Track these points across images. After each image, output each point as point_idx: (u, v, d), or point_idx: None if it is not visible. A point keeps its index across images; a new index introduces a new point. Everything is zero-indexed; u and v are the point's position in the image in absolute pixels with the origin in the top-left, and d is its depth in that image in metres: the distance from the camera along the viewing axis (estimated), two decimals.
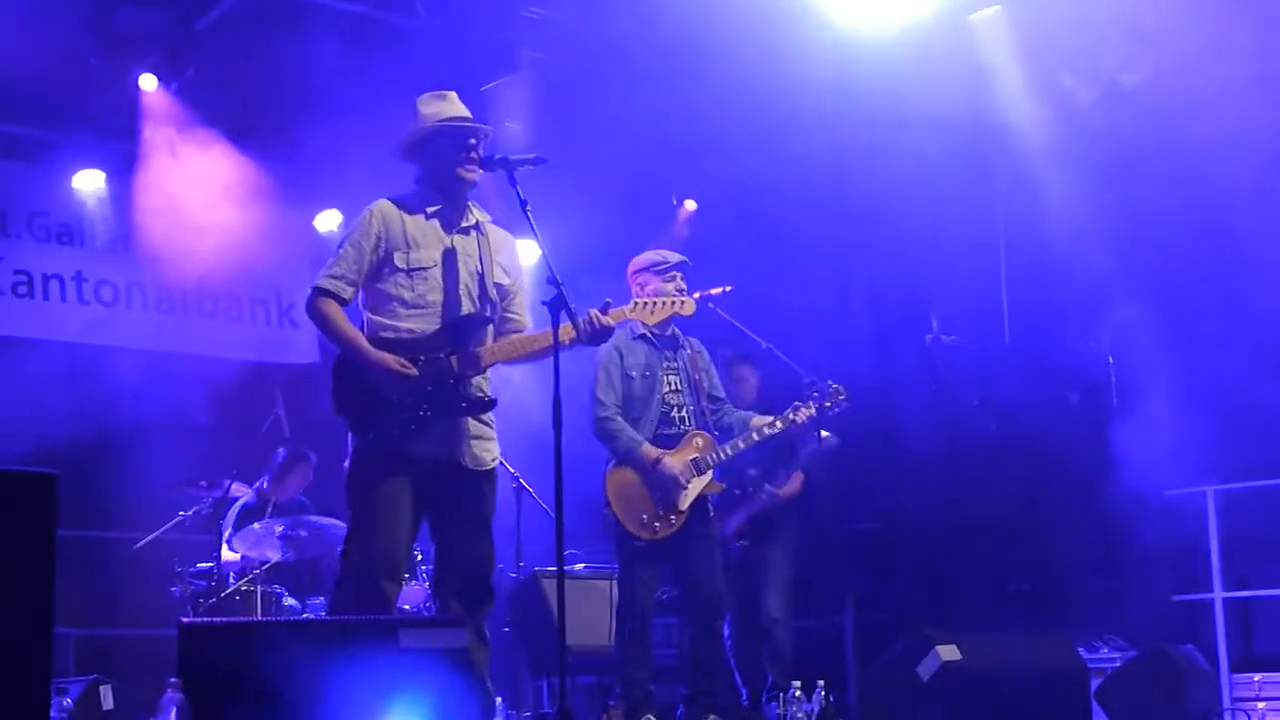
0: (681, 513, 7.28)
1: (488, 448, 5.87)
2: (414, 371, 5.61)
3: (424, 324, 5.73)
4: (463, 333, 5.75)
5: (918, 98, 9.68)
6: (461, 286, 5.80)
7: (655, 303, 6.06)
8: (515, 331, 5.97)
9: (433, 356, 5.67)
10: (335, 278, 5.74)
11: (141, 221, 10.65)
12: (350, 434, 5.77)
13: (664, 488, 7.26)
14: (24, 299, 10.40)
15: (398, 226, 5.78)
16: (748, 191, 11.40)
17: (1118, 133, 9.41)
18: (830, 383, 7.65)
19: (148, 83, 9.61)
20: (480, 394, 5.79)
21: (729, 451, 7.47)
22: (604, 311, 5.78)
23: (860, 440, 8.87)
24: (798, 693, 7.30)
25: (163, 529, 9.17)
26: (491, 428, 5.91)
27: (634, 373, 7.45)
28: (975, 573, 10.36)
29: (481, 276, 5.85)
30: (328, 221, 11.26)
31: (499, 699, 8.70)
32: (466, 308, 5.79)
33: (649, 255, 7.52)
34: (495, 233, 6.01)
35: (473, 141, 5.85)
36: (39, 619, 3.71)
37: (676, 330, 7.65)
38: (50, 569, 3.75)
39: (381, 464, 5.65)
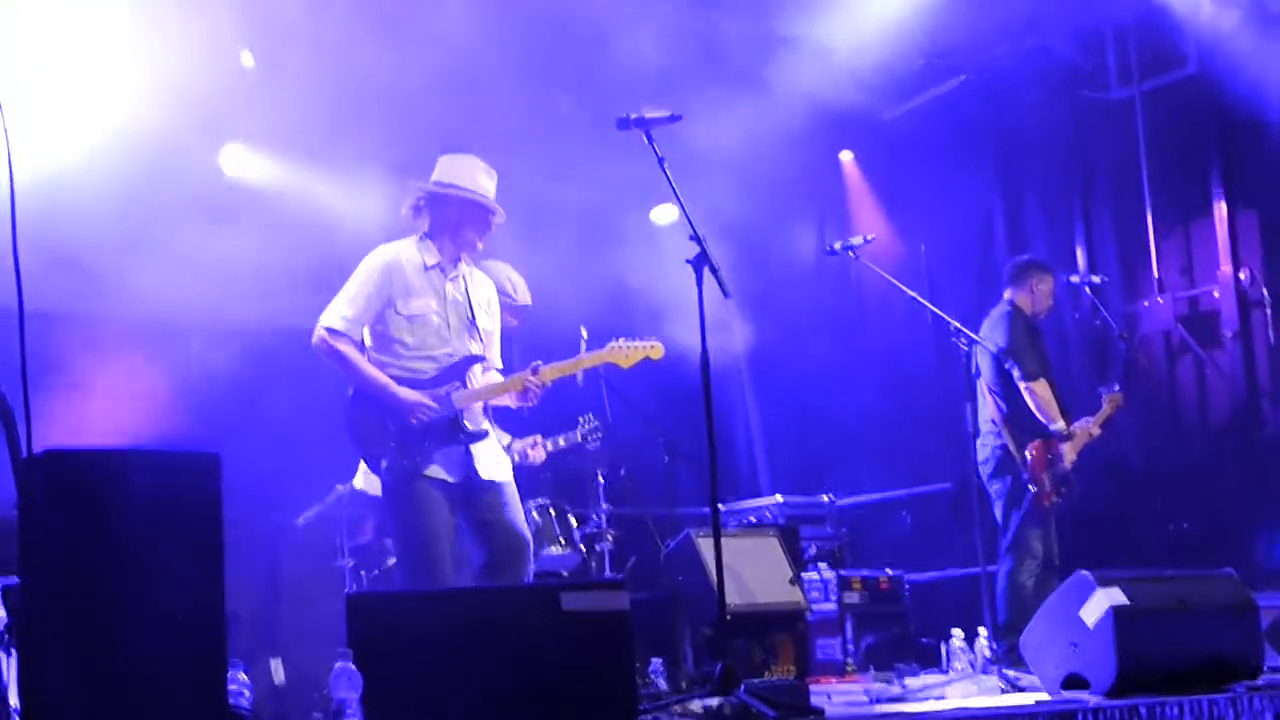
0: None
1: (499, 463, 6.37)
2: (436, 407, 6.14)
3: (424, 365, 6.25)
4: (457, 372, 6.27)
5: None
6: (453, 331, 6.32)
7: (631, 348, 6.36)
8: (489, 369, 6.48)
9: (433, 393, 6.17)
10: (346, 318, 6.24)
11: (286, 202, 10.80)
12: (366, 463, 6.36)
13: None
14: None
15: (400, 275, 6.29)
16: (890, 141, 11.35)
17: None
18: (589, 416, 8.21)
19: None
20: (475, 426, 6.28)
21: None
22: (535, 373, 6.24)
23: None
24: (958, 641, 7.25)
25: (322, 504, 9.31)
26: (499, 446, 6.47)
27: None
28: (1133, 515, 10.24)
29: (472, 320, 6.38)
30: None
31: (658, 659, 8.75)
32: (459, 350, 6.31)
33: (508, 280, 7.55)
34: (478, 277, 6.58)
35: (493, 219, 6.42)
36: (210, 596, 3.81)
37: None
38: (218, 546, 3.85)
39: (408, 488, 6.12)
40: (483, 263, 7.56)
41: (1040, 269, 8.64)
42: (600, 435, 8.36)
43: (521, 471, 7.42)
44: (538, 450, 8.20)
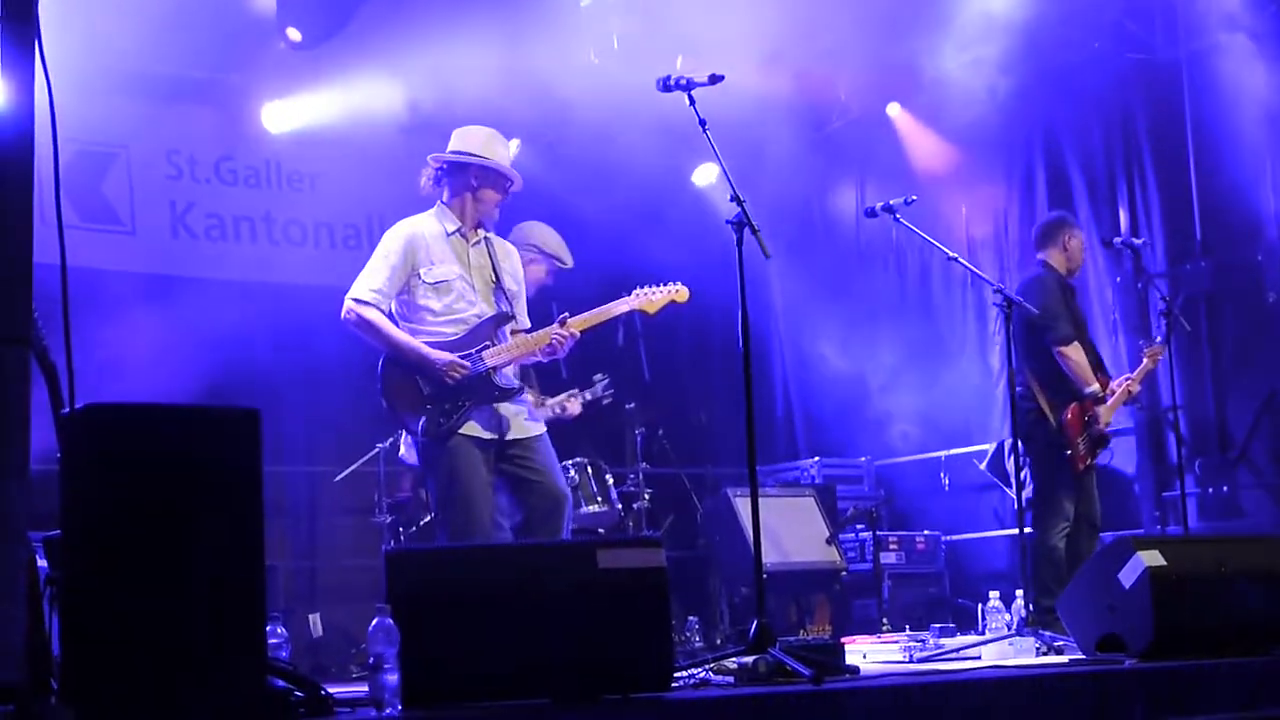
0: None
1: (533, 419, 6.48)
2: (468, 366, 6.23)
3: (453, 328, 6.37)
4: (486, 331, 6.38)
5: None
6: (479, 293, 6.44)
7: (656, 293, 6.53)
8: (517, 330, 6.53)
9: (466, 354, 6.27)
10: (374, 290, 6.36)
11: (324, 160, 10.83)
12: (403, 425, 6.48)
13: None
14: (217, 242, 10.64)
15: (422, 245, 6.42)
16: (931, 99, 11.27)
17: None
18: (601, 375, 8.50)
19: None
20: (509, 382, 6.39)
21: None
22: (562, 325, 6.32)
23: None
24: (994, 602, 7.25)
25: (361, 461, 9.36)
26: (526, 406, 6.51)
27: None
28: (1173, 478, 10.19)
29: (497, 282, 6.47)
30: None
31: (694, 617, 8.79)
32: (486, 311, 6.42)
33: (550, 240, 7.77)
34: (499, 243, 6.68)
35: (509, 187, 6.56)
36: (250, 550, 3.83)
37: None
38: (258, 502, 3.86)
39: (445, 447, 6.22)
40: (525, 225, 7.65)
41: (1070, 225, 8.58)
42: (611, 392, 8.52)
43: (559, 430, 7.45)
44: (574, 403, 8.28)
